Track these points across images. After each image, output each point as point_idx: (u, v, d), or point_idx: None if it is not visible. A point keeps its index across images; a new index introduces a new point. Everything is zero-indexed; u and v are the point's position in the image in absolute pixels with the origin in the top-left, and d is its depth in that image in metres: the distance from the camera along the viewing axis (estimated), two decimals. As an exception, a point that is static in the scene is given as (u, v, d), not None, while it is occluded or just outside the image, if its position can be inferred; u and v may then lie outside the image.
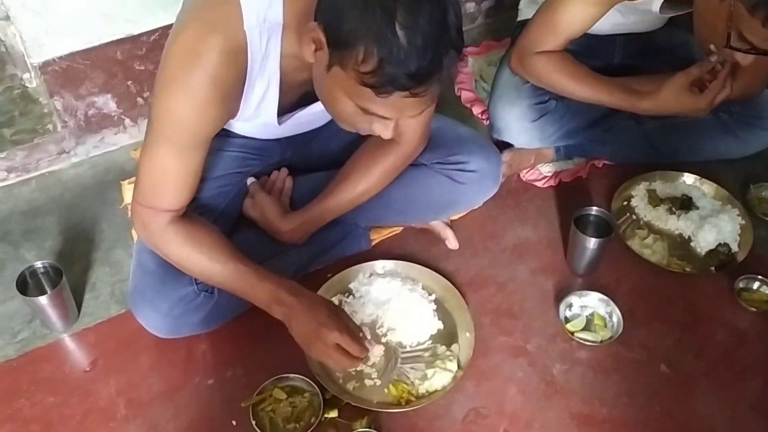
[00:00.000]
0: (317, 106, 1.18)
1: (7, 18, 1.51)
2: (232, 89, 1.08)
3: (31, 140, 1.65)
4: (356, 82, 0.93)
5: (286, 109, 1.22)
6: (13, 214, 1.61)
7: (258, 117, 1.20)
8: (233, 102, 1.11)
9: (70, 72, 1.57)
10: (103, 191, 1.66)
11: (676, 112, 1.42)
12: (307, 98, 1.21)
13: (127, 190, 1.63)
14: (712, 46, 1.29)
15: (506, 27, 2.08)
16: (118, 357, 1.32)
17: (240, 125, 1.35)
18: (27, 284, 1.32)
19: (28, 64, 1.60)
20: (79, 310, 1.39)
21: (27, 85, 1.73)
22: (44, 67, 1.54)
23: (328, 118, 1.23)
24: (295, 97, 1.21)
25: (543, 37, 1.43)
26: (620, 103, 1.44)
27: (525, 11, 1.79)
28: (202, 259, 1.18)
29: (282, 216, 1.37)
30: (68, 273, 1.47)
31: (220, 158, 1.38)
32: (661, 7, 1.43)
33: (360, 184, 1.35)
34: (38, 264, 1.34)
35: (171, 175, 1.13)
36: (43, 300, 1.29)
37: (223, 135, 1.40)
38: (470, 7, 2.12)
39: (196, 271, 1.20)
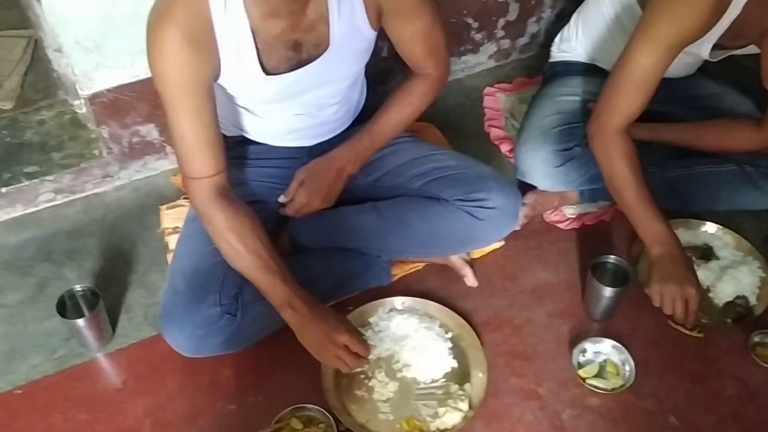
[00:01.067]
0: (313, 68, 1.29)
1: (59, 50, 1.61)
2: (200, 32, 1.16)
3: (78, 164, 1.75)
4: None
5: (283, 68, 1.29)
6: (58, 234, 1.71)
7: (243, 74, 1.26)
8: (206, 47, 1.19)
9: (118, 103, 1.66)
10: (142, 215, 1.75)
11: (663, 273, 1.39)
12: (299, 62, 1.28)
13: (165, 215, 1.71)
14: None
15: (540, 64, 2.12)
16: (147, 378, 1.40)
17: (255, 126, 1.46)
18: (66, 306, 1.40)
19: (79, 92, 1.70)
20: (114, 331, 1.48)
21: (77, 111, 1.84)
22: (93, 98, 1.63)
23: (335, 97, 1.43)
24: (281, 54, 1.26)
25: (622, 100, 1.40)
26: (638, 229, 1.45)
27: (557, 53, 1.82)
28: (237, 240, 1.26)
29: (335, 152, 1.49)
30: (105, 294, 1.55)
31: (250, 188, 1.47)
32: (711, 50, 1.44)
33: (402, 108, 1.48)
34: (77, 287, 1.42)
35: (189, 138, 1.23)
36: (80, 322, 1.37)
37: (250, 166, 1.50)
38: (504, 43, 2.16)
39: (228, 251, 1.28)
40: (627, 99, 1.41)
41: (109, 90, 1.63)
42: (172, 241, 1.63)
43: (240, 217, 1.28)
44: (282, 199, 1.49)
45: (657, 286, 1.37)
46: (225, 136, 1.41)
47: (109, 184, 1.81)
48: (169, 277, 1.38)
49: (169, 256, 1.61)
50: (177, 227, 1.66)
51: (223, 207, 1.27)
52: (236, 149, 1.50)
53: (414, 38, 1.39)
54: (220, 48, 1.21)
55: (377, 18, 1.32)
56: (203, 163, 1.26)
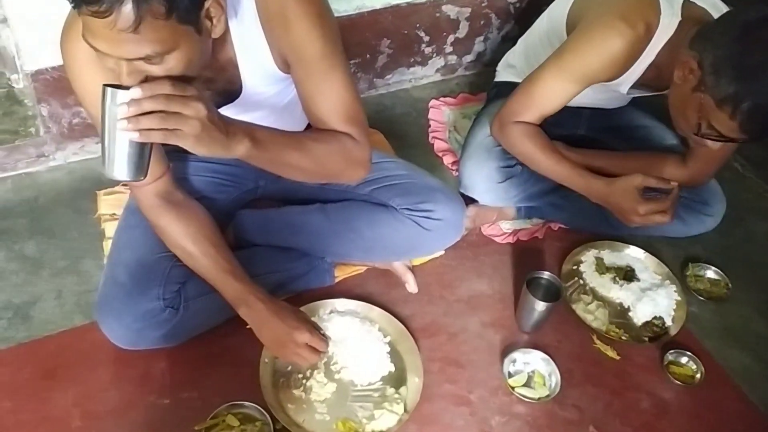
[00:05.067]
0: (233, 109, 1.22)
1: (4, 20, 1.54)
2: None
3: (12, 141, 1.68)
4: None
5: None
6: (-15, 212, 1.63)
7: None
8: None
9: (61, 82, 1.61)
10: (77, 199, 1.69)
11: (615, 207, 1.51)
12: (222, 96, 1.22)
13: (103, 200, 1.67)
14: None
15: (483, 82, 2.20)
16: (77, 368, 1.36)
17: None
18: None
19: (18, 66, 1.63)
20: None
21: (13, 85, 1.76)
22: (36, 75, 1.58)
23: (274, 122, 1.22)
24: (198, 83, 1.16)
25: (522, 109, 1.52)
26: (575, 182, 1.54)
27: (502, 73, 1.90)
28: (185, 239, 1.26)
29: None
30: (34, 280, 1.50)
31: (194, 183, 1.45)
32: (628, 89, 1.55)
33: (317, 141, 1.20)
34: None
35: None
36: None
37: (193, 160, 1.46)
38: (452, 59, 2.22)
39: (183, 256, 1.28)
40: (528, 110, 1.52)
41: (53, 68, 1.58)
42: (109, 227, 1.59)
43: (189, 219, 1.28)
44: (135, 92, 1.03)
45: (635, 218, 1.48)
46: None
47: (43, 164, 1.75)
48: (109, 267, 1.35)
49: (105, 243, 1.57)
50: (115, 214, 1.62)
51: (170, 212, 1.27)
52: None
53: (321, 98, 1.19)
54: None
55: (284, 63, 1.19)
56: None
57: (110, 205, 1.65)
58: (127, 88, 0.94)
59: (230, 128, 1.03)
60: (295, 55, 1.15)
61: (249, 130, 1.08)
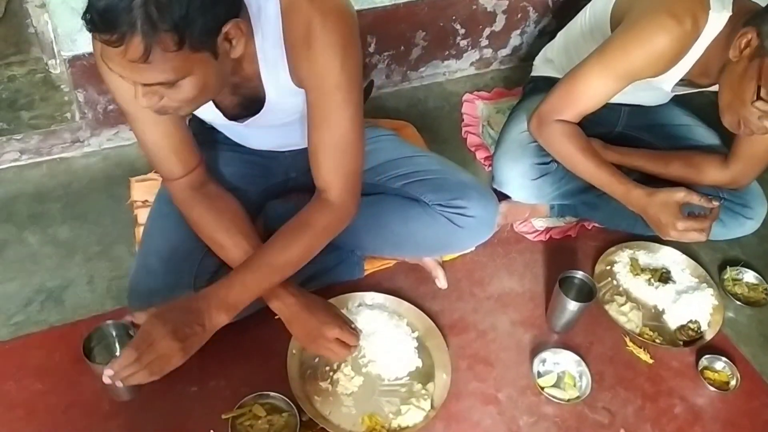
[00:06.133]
0: (260, 119, 1.23)
1: (43, 5, 1.55)
2: None
3: (48, 126, 1.70)
4: None
5: (237, 112, 1.24)
6: (20, 196, 1.65)
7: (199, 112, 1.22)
8: None
9: (97, 68, 1.61)
10: (111, 185, 1.71)
11: (652, 218, 1.47)
12: (249, 100, 1.22)
13: (136, 187, 1.68)
14: (739, 120, 1.35)
15: (519, 77, 2.17)
16: (108, 352, 1.37)
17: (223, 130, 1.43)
18: (92, 345, 1.23)
19: (55, 51, 1.65)
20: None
21: (51, 71, 1.78)
22: (73, 61, 1.59)
23: (295, 136, 1.32)
24: (228, 99, 1.21)
25: (563, 106, 1.49)
26: (614, 189, 1.50)
27: (539, 68, 1.86)
28: (217, 232, 1.26)
29: (195, 303, 1.17)
30: (67, 264, 1.51)
31: (225, 174, 1.44)
32: (673, 87, 1.51)
33: (294, 245, 1.23)
34: (109, 323, 1.25)
35: (152, 148, 1.24)
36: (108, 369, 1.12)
37: (225, 150, 1.47)
38: (487, 52, 2.19)
39: (215, 248, 1.28)
40: (568, 108, 1.48)
41: (90, 54, 1.58)
42: (142, 214, 1.60)
43: (221, 211, 1.28)
44: (108, 372, 1.10)
45: (671, 232, 1.44)
46: (200, 121, 1.39)
47: (78, 150, 1.76)
48: (141, 255, 1.35)
49: (137, 230, 1.58)
50: (147, 200, 1.63)
51: (202, 204, 1.27)
52: (211, 133, 1.47)
53: (322, 139, 1.19)
54: None
55: (301, 83, 1.17)
56: (171, 167, 1.25)
57: (143, 192, 1.66)
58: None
59: (202, 320, 1.14)
60: (313, 81, 1.14)
61: (219, 303, 1.16)
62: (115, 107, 1.72)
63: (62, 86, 1.74)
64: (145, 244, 1.36)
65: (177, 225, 1.33)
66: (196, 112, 1.23)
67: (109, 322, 1.25)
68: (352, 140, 1.20)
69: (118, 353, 1.23)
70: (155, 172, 1.69)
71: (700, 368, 1.46)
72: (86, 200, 1.66)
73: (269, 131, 1.37)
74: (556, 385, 1.42)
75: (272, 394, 1.31)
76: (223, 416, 1.28)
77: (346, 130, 1.18)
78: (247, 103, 1.22)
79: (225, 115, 1.25)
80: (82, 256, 1.54)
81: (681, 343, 1.52)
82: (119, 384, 1.10)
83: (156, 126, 1.20)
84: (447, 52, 2.13)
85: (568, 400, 1.39)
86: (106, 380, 1.09)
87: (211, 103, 1.20)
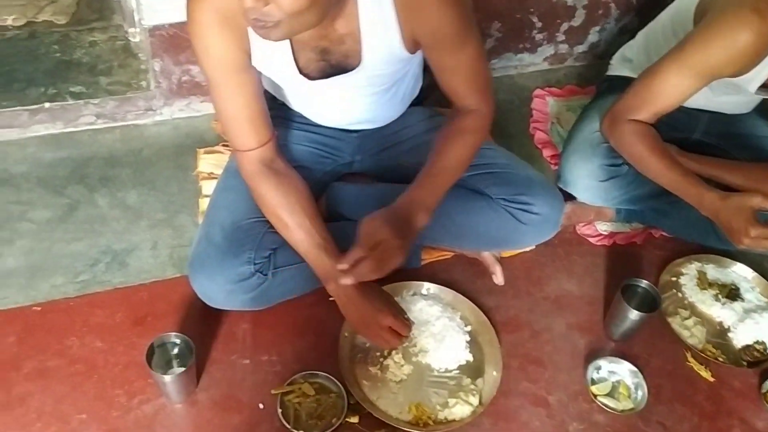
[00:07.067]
0: (343, 80, 1.24)
1: (127, -25, 1.59)
2: (231, 14, 1.11)
3: (124, 92, 1.74)
4: None
5: (314, 72, 1.25)
6: (94, 159, 1.70)
7: (272, 65, 1.23)
8: (238, 30, 1.14)
9: (176, 39, 1.65)
10: (179, 154, 1.74)
11: (725, 224, 1.40)
12: (335, 68, 1.23)
13: (203, 159, 1.70)
14: None
15: (593, 75, 2.11)
16: (166, 318, 1.40)
17: (295, 101, 1.43)
18: (153, 353, 1.24)
19: (136, 20, 1.68)
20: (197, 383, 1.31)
21: (130, 39, 1.82)
22: (153, 30, 1.62)
23: (368, 110, 1.36)
24: (309, 57, 1.21)
25: (638, 105, 1.44)
26: (686, 191, 1.44)
27: (616, 67, 1.80)
28: (282, 209, 1.27)
29: (400, 210, 1.25)
30: (133, 228, 1.55)
31: (294, 152, 1.45)
32: (757, 89, 1.44)
33: (457, 148, 1.32)
34: (172, 336, 1.26)
35: (230, 115, 1.24)
36: (167, 378, 1.22)
37: (296, 129, 1.48)
38: (562, 48, 2.14)
39: (278, 224, 1.29)
40: (644, 107, 1.44)
41: (171, 24, 1.62)
42: (206, 186, 1.63)
43: (288, 189, 1.28)
44: (342, 266, 1.19)
45: (744, 239, 1.37)
46: (272, 97, 1.40)
47: (150, 118, 1.80)
48: (204, 226, 1.37)
49: (201, 201, 1.61)
50: (212, 173, 1.66)
51: (270, 180, 1.27)
52: (282, 110, 1.48)
53: (455, 71, 1.27)
54: (252, 35, 1.16)
55: (414, 44, 1.22)
56: (246, 138, 1.26)
57: (209, 164, 1.69)
58: None
59: (412, 222, 1.24)
60: (432, 36, 1.18)
61: (419, 206, 1.26)
62: (189, 79, 1.75)
63: (140, 54, 1.78)
64: (210, 215, 1.38)
65: (242, 199, 1.34)
66: (278, 76, 1.24)
67: (172, 333, 1.26)
68: (481, 70, 1.29)
69: (175, 365, 1.27)
70: (223, 144, 1.73)
71: (763, 391, 1.40)
72: (155, 167, 1.70)
73: (343, 101, 1.37)
74: (610, 394, 1.38)
75: (322, 374, 1.32)
76: (273, 391, 1.29)
77: (473, 66, 1.26)
78: (331, 70, 1.23)
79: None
80: (147, 221, 1.58)
81: (745, 363, 1.46)
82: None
83: (237, 95, 1.21)
84: (521, 45, 2.09)
85: (622, 411, 1.35)
86: (341, 266, 1.17)
87: (289, 52, 1.20)
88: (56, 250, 1.50)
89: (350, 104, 1.38)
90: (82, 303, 1.41)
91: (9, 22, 1.83)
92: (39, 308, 1.39)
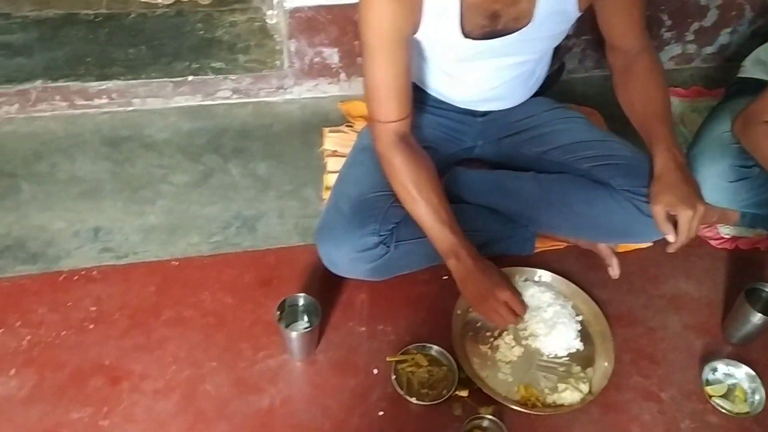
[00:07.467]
0: (506, 41, 1.29)
1: (268, -42, 1.68)
2: None
3: (260, 70, 1.84)
4: None
5: (473, 35, 1.29)
6: (228, 131, 1.82)
7: (441, 33, 1.28)
8: (411, 2, 1.21)
9: (312, 21, 1.73)
10: (306, 132, 1.83)
11: None
12: (498, 34, 1.29)
13: (328, 137, 1.78)
14: None
15: (720, 77, 2.05)
16: (290, 282, 1.48)
17: (436, 75, 1.47)
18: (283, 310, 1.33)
19: (274, 2, 1.78)
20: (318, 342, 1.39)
21: (267, 21, 1.93)
22: (292, 13, 1.71)
23: (520, 70, 1.42)
24: (478, 21, 1.27)
25: None
26: None
27: (749, 69, 1.75)
28: (414, 188, 1.32)
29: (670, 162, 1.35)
30: (262, 197, 1.65)
31: (422, 133, 1.49)
32: None
33: (653, 89, 1.42)
34: (300, 298, 1.34)
35: (380, 84, 1.29)
36: (293, 334, 1.30)
37: (428, 113, 1.52)
38: (690, 48, 2.09)
39: (405, 196, 1.34)
40: None
41: (309, 7, 1.70)
42: (331, 163, 1.71)
43: (419, 165, 1.33)
44: (672, 238, 1.31)
45: None
46: None
47: (280, 96, 1.90)
48: (333, 197, 1.44)
49: (326, 177, 1.69)
50: (336, 151, 1.74)
51: (404, 154, 1.32)
52: (416, 93, 1.53)
53: (617, 11, 1.38)
54: (425, 4, 1.23)
55: (585, 2, 1.30)
56: (389, 109, 1.31)
57: (334, 143, 1.77)
58: None
59: (684, 168, 1.36)
60: None
61: (672, 154, 1.35)
62: (320, 60, 1.84)
63: (275, 36, 1.88)
64: (338, 187, 1.46)
65: (370, 173, 1.41)
66: (443, 42, 1.30)
67: (301, 295, 1.34)
68: (642, 14, 1.42)
69: (302, 322, 1.37)
70: (347, 125, 1.80)
71: None
72: (283, 142, 1.80)
73: (489, 71, 1.41)
74: (724, 396, 1.35)
75: (434, 347, 1.36)
76: (388, 359, 1.35)
77: (635, 13, 1.40)
78: (493, 34, 1.28)
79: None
80: (275, 192, 1.67)
81: None
82: None
83: (391, 65, 1.26)
84: (647, 43, 2.05)
85: (737, 414, 1.32)
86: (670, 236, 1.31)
87: (457, 18, 1.25)
88: (192, 212, 1.61)
89: (495, 74, 1.42)
90: (215, 262, 1.51)
91: (159, 0, 1.97)
92: (177, 263, 1.51)
